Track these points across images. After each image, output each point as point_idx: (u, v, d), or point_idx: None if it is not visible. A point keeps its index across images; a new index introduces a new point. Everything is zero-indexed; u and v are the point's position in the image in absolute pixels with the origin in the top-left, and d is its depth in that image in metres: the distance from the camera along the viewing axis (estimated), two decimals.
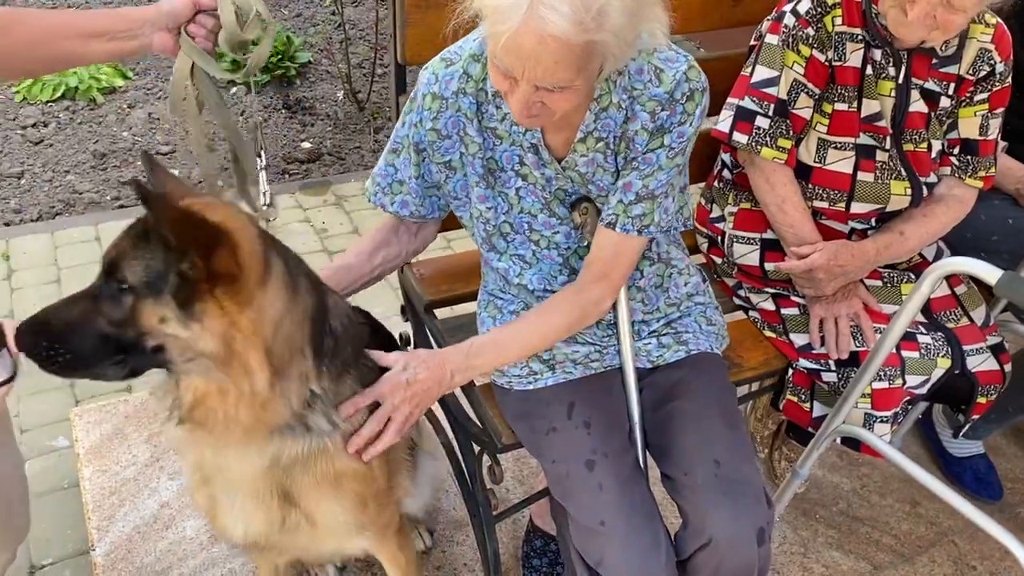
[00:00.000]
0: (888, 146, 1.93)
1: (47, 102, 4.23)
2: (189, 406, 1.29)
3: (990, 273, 1.49)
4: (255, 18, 1.52)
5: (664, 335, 1.77)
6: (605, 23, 1.26)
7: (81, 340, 1.20)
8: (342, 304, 1.49)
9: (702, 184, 2.29)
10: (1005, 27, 1.93)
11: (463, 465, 2.00)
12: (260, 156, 1.67)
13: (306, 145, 4.06)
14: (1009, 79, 1.94)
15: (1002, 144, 2.16)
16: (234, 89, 4.39)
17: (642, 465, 1.67)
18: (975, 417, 2.05)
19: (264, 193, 1.69)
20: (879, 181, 1.94)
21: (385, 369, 1.53)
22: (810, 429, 2.04)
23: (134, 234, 1.21)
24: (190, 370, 1.25)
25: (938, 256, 2.17)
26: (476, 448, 1.93)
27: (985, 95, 1.94)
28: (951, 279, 2.10)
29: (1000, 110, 1.96)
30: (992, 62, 1.91)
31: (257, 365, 1.24)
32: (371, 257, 1.74)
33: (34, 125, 4.07)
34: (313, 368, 1.34)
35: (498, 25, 1.27)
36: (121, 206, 3.61)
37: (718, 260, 2.20)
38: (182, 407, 1.30)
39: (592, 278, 1.61)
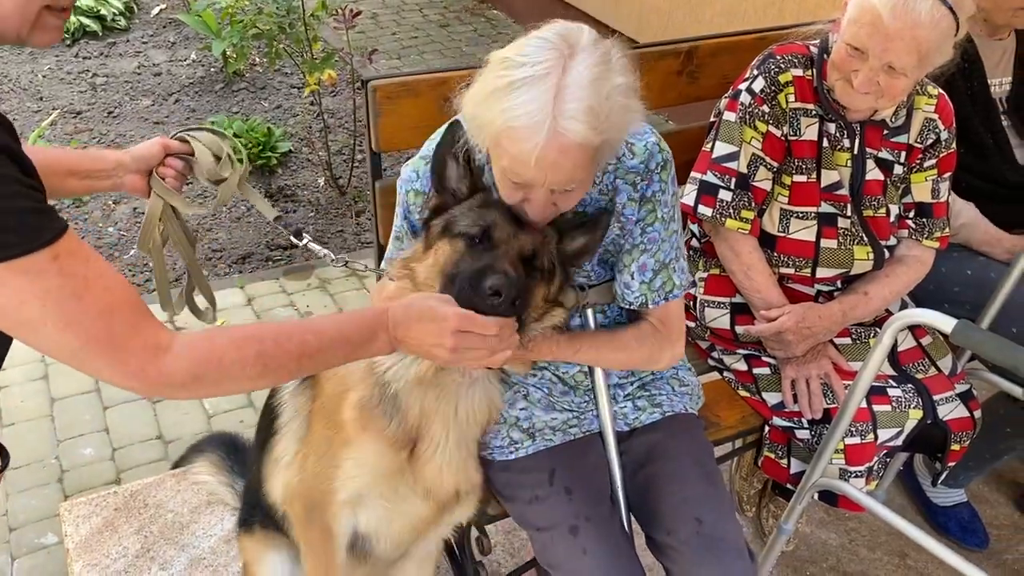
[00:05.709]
0: (849, 213, 2.02)
1: None
2: None
3: (945, 322, 1.55)
4: (226, 159, 1.68)
5: (639, 398, 1.82)
6: (612, 124, 1.37)
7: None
8: None
9: None
10: (947, 98, 2.04)
11: (452, 538, 2.02)
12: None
13: None
14: (953, 145, 2.05)
15: (965, 203, 2.28)
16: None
17: (626, 528, 1.71)
18: (951, 464, 2.10)
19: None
20: (842, 247, 2.02)
21: None
22: (789, 486, 2.08)
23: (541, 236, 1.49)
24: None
25: (903, 309, 2.24)
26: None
27: (933, 161, 2.05)
28: (917, 331, 2.17)
29: (948, 174, 2.07)
30: (937, 130, 2.03)
31: None
32: None
33: None
34: None
35: (520, 144, 1.34)
36: None
37: (691, 324, 2.26)
38: None
39: (669, 340, 1.69)
